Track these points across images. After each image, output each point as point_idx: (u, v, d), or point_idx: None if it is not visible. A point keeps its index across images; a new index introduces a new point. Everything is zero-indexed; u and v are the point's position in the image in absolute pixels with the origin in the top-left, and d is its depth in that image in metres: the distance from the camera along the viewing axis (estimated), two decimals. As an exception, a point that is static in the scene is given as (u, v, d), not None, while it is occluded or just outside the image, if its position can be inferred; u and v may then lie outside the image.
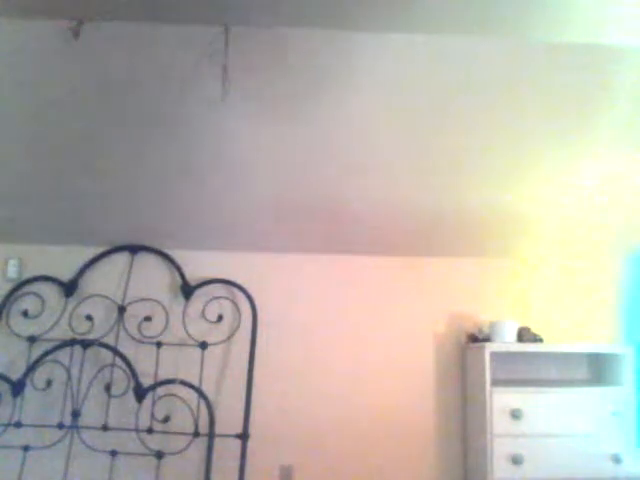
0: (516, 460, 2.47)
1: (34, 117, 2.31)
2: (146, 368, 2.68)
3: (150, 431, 2.60)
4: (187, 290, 2.80)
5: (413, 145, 2.45)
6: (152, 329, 2.76)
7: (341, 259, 2.93)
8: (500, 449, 2.49)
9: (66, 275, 2.83)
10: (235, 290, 2.83)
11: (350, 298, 2.91)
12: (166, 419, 2.64)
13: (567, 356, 2.86)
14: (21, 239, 2.85)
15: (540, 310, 2.93)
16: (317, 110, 2.30)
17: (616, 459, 2.50)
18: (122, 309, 2.77)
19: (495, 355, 2.65)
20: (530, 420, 2.52)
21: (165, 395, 2.63)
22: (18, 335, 2.73)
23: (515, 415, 2.51)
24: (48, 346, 2.65)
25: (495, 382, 2.57)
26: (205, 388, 2.64)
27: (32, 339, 2.72)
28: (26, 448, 2.59)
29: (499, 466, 2.48)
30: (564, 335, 2.89)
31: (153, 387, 2.60)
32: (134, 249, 2.87)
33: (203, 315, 2.80)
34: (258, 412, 2.68)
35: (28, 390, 2.62)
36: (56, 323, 2.75)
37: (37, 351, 2.66)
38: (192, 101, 2.24)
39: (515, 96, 2.28)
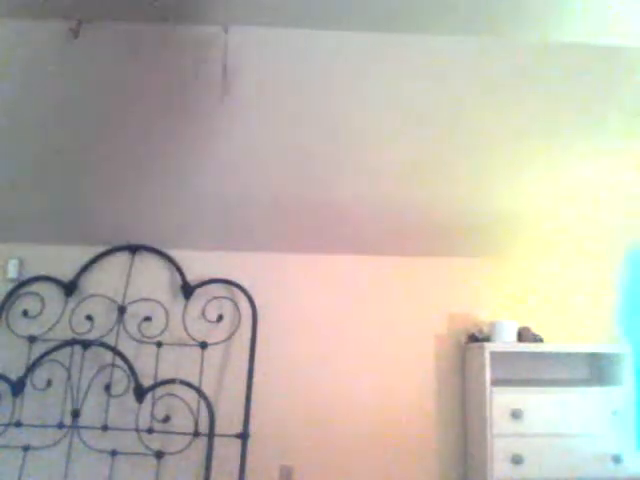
0: (516, 460, 2.47)
1: (34, 117, 2.32)
2: (146, 368, 2.68)
3: (150, 431, 2.60)
4: (187, 290, 2.80)
5: (413, 144, 2.45)
6: (152, 329, 2.76)
7: (341, 259, 2.93)
8: (500, 449, 2.49)
9: (66, 275, 2.83)
10: (235, 290, 2.83)
11: (351, 298, 2.91)
12: (166, 419, 2.64)
13: (567, 356, 2.86)
14: (21, 239, 2.85)
15: (540, 310, 2.92)
16: (316, 110, 2.30)
17: (616, 459, 2.50)
18: (122, 309, 2.77)
19: (495, 355, 2.64)
20: (530, 420, 2.51)
21: (165, 395, 2.63)
22: (18, 335, 2.73)
23: (515, 415, 2.50)
24: (48, 346, 2.65)
25: (495, 382, 2.57)
26: (205, 388, 2.64)
27: (32, 339, 2.72)
28: (26, 448, 2.60)
29: (499, 466, 2.48)
30: (564, 335, 2.89)
31: (153, 387, 2.60)
32: (134, 249, 2.87)
33: (203, 315, 2.80)
34: (258, 412, 2.68)
35: (28, 390, 2.62)
36: (56, 323, 2.75)
37: (37, 351, 2.66)
38: (192, 101, 2.25)
39: (510, 95, 2.28)
